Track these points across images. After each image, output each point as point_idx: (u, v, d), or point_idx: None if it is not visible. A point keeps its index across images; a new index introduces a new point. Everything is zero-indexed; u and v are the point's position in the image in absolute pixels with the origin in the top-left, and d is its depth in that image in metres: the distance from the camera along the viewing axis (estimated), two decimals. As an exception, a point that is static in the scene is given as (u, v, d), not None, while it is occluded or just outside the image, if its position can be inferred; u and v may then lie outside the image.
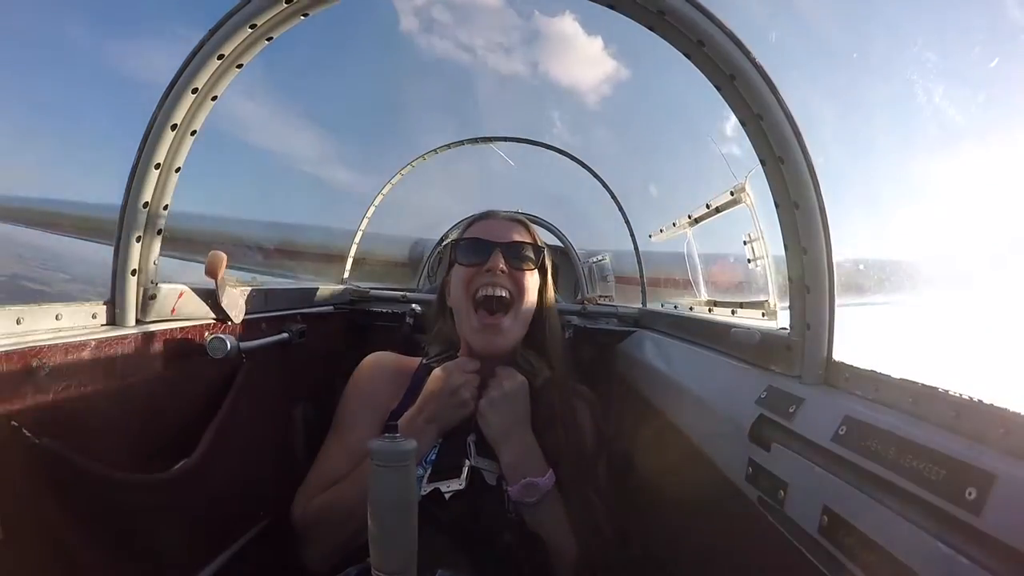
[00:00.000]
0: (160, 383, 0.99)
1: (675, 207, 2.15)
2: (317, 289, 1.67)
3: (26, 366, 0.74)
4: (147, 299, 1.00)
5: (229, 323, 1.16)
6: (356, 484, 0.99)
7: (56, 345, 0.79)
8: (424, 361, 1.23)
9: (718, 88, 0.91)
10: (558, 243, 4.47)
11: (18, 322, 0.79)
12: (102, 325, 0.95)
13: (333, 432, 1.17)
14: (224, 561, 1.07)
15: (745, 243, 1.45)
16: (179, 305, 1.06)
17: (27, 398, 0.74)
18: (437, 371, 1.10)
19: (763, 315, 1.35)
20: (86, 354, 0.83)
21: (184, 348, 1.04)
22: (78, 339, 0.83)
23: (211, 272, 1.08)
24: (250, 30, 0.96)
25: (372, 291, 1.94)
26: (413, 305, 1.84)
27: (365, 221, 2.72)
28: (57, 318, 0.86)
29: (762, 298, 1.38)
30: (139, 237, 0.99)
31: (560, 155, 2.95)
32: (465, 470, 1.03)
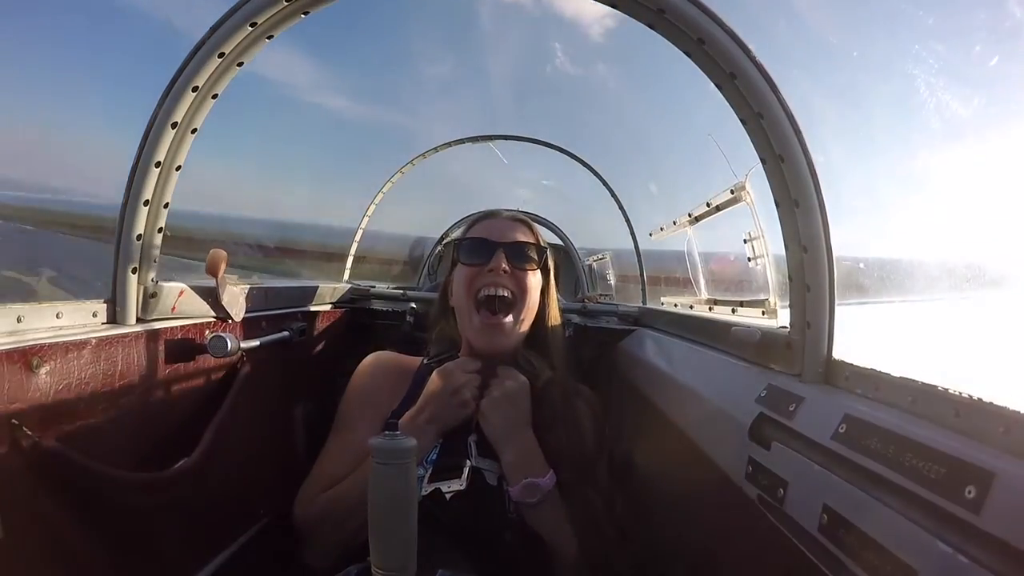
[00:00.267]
0: (160, 382, 0.99)
1: (675, 206, 2.15)
2: (318, 287, 1.67)
3: (26, 365, 0.74)
4: (148, 297, 1.01)
5: (230, 321, 1.16)
6: (357, 483, 0.99)
7: (56, 343, 0.79)
8: (425, 361, 1.23)
9: (718, 86, 0.91)
10: (558, 241, 4.48)
11: (18, 320, 0.79)
12: (103, 324, 0.95)
13: (334, 431, 1.17)
14: (224, 559, 1.08)
15: (745, 241, 1.46)
16: (180, 303, 1.06)
17: (27, 397, 0.74)
18: (438, 371, 1.10)
19: (763, 314, 1.35)
20: (87, 353, 0.83)
21: (185, 346, 1.05)
22: (78, 337, 0.83)
23: (212, 270, 1.08)
24: (250, 28, 0.96)
25: (373, 289, 1.94)
26: (413, 304, 1.85)
27: (366, 219, 2.72)
28: (57, 316, 0.86)
29: (762, 296, 1.38)
30: (139, 235, 0.99)
31: (560, 154, 2.95)
32: (466, 470, 1.03)
